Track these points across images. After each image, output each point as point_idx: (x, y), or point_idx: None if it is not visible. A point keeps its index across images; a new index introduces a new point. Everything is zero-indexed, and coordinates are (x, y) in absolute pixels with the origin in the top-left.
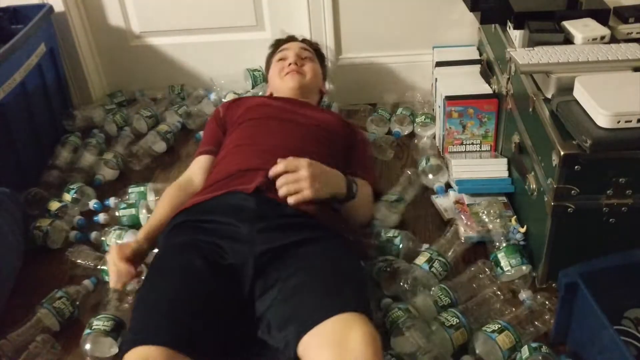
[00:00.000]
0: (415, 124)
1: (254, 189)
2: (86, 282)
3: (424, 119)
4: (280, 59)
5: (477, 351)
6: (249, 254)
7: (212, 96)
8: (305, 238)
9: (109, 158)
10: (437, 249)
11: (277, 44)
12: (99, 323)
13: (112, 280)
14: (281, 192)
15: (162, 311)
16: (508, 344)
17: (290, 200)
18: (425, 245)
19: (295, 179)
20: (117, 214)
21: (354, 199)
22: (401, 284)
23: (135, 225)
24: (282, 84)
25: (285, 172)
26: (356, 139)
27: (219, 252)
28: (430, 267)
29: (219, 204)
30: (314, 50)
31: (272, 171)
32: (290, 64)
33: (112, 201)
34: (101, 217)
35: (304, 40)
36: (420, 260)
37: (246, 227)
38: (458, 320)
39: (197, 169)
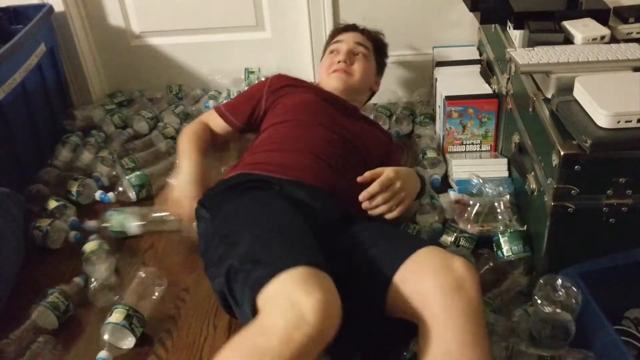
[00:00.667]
0: (415, 124)
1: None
2: (76, 279)
3: (424, 119)
4: (332, 51)
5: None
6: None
7: (210, 104)
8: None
9: (105, 155)
10: None
11: (335, 32)
12: (137, 325)
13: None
14: (379, 210)
15: (304, 240)
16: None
17: (393, 214)
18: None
19: (393, 194)
20: (126, 178)
21: (425, 191)
22: None
23: (144, 183)
24: (328, 81)
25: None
26: (392, 145)
27: (295, 204)
28: (457, 246)
29: (288, 183)
30: (373, 42)
31: (367, 193)
32: (339, 62)
33: (105, 180)
34: (111, 196)
35: (363, 31)
36: (447, 240)
37: (306, 195)
38: (495, 316)
39: (214, 128)
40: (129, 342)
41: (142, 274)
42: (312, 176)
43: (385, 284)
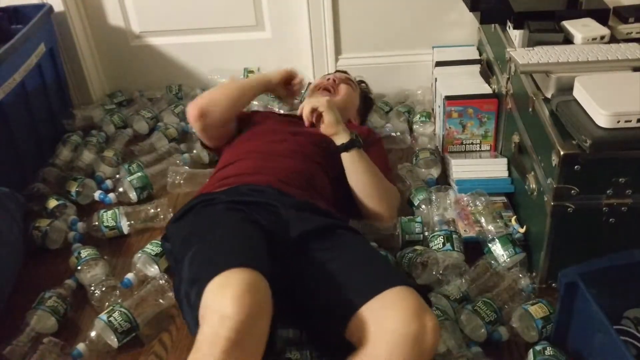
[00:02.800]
0: (413, 123)
1: (266, 183)
2: (68, 281)
3: (419, 118)
4: (322, 77)
5: (514, 326)
6: (285, 233)
7: None
8: (333, 223)
9: (109, 155)
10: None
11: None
12: (119, 319)
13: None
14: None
15: (232, 245)
16: (541, 313)
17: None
18: (441, 222)
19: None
20: (127, 180)
21: (360, 147)
22: (434, 273)
23: (145, 185)
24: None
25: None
26: (373, 140)
27: (258, 221)
28: (452, 247)
29: (241, 189)
30: (359, 85)
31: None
32: (328, 79)
33: (109, 183)
34: (111, 197)
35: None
36: (440, 241)
37: (279, 206)
38: (496, 316)
39: None
40: (111, 339)
41: (161, 281)
42: (266, 177)
43: (348, 316)
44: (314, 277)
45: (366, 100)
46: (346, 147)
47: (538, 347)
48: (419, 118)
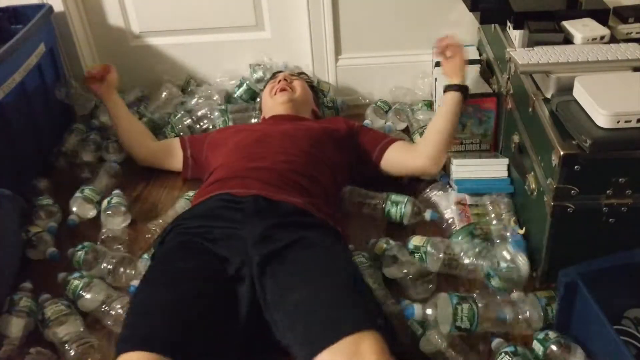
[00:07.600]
0: (415, 112)
1: (248, 194)
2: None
3: (421, 106)
4: (271, 82)
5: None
6: (247, 259)
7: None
8: (301, 237)
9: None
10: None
11: (270, 76)
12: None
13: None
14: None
15: (153, 318)
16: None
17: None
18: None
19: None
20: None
21: (467, 98)
22: (404, 271)
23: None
24: (273, 102)
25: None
26: (355, 127)
27: (215, 261)
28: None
29: (212, 207)
30: (305, 78)
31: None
32: (279, 81)
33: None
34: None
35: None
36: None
37: (244, 231)
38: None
39: (162, 142)
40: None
41: None
42: (255, 184)
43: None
44: (278, 305)
45: (313, 88)
46: (458, 89)
47: (540, 335)
48: (421, 107)
